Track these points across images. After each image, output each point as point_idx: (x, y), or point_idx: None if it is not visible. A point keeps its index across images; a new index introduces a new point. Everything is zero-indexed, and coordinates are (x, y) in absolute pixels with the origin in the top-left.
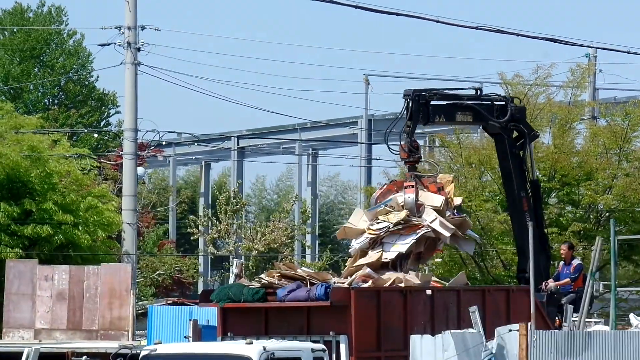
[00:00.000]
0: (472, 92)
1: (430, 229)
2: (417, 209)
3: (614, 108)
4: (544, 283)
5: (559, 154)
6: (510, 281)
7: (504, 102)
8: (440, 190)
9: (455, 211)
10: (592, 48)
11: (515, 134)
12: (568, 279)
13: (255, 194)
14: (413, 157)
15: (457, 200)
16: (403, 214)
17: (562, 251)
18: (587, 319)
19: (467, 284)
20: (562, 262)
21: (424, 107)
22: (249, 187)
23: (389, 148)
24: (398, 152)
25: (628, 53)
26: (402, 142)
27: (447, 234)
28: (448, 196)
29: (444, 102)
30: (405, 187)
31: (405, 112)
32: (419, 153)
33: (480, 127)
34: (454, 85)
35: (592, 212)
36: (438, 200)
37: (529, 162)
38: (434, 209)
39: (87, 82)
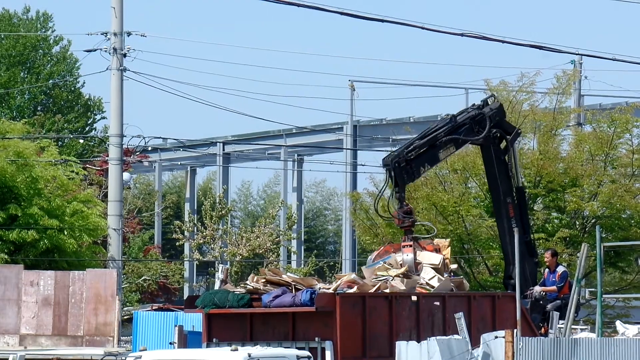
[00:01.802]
0: (447, 120)
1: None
2: (415, 267)
3: (599, 114)
4: (529, 290)
5: (544, 160)
6: (497, 287)
7: (480, 113)
8: (437, 251)
9: (452, 274)
10: (578, 55)
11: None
12: (554, 287)
13: (240, 199)
14: (408, 222)
15: (453, 266)
16: (402, 270)
17: (546, 258)
18: (573, 326)
19: (452, 289)
20: (547, 270)
21: (406, 167)
22: (235, 193)
23: (380, 215)
24: (390, 218)
25: (613, 60)
26: (394, 210)
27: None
28: (445, 258)
29: (425, 149)
30: (403, 247)
31: (390, 180)
32: (413, 216)
33: None
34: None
35: (578, 218)
36: (436, 258)
37: (513, 168)
38: (432, 267)
39: (73, 88)
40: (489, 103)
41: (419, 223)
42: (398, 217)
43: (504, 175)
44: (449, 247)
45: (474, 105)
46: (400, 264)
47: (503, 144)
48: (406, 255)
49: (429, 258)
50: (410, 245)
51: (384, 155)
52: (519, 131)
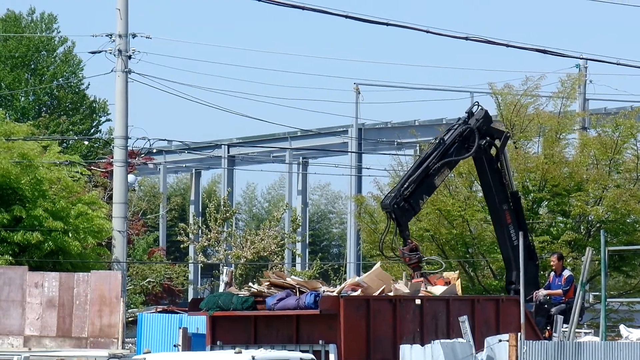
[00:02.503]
0: (436, 144)
1: None
2: None
3: (604, 119)
4: (534, 292)
5: (549, 164)
6: (501, 291)
7: (467, 127)
8: (448, 284)
9: None
10: (582, 59)
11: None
12: (560, 290)
13: (245, 202)
14: (415, 259)
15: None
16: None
17: (552, 262)
18: (577, 330)
19: (456, 294)
20: (552, 273)
21: (405, 206)
22: (240, 195)
23: (385, 256)
24: (396, 259)
25: (618, 64)
26: (401, 249)
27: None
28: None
29: (420, 180)
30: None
31: (392, 222)
32: (419, 253)
33: None
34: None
35: (583, 222)
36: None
37: (507, 174)
38: None
39: (77, 90)
40: (474, 113)
41: (425, 259)
42: (404, 255)
43: (498, 184)
44: (459, 280)
45: (459, 119)
46: None
47: (494, 151)
48: None
49: (442, 291)
50: (421, 282)
51: (388, 158)
52: (508, 135)
